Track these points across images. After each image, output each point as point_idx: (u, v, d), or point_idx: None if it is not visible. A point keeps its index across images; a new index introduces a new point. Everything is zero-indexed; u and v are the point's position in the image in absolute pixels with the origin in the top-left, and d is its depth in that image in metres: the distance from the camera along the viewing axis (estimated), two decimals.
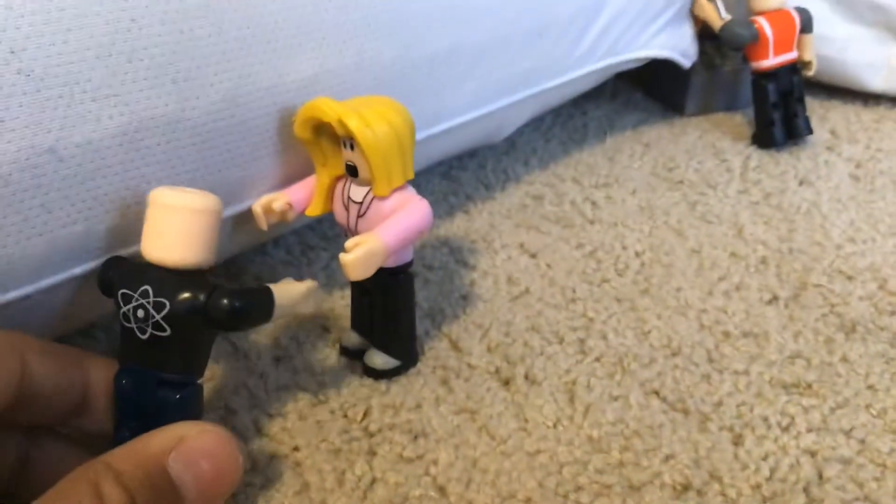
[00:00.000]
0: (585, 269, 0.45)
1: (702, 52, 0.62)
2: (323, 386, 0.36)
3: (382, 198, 0.33)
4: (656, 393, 0.36)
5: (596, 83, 0.57)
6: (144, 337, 0.28)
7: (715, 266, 0.45)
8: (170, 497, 0.26)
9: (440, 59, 0.42)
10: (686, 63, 0.60)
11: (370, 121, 0.32)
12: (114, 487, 0.24)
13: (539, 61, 0.48)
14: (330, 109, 0.32)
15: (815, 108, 0.65)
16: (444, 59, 0.42)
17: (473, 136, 0.49)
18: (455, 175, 0.55)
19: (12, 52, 0.27)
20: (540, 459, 0.32)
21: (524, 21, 0.46)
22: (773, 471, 0.32)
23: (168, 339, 0.28)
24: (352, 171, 0.34)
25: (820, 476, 0.32)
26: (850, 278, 0.44)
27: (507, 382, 0.37)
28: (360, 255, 0.31)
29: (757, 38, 0.57)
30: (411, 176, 0.34)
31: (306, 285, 0.32)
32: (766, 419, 0.34)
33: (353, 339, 0.38)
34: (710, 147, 0.59)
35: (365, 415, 0.35)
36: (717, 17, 0.58)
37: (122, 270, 0.29)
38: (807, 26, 0.58)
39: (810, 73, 0.60)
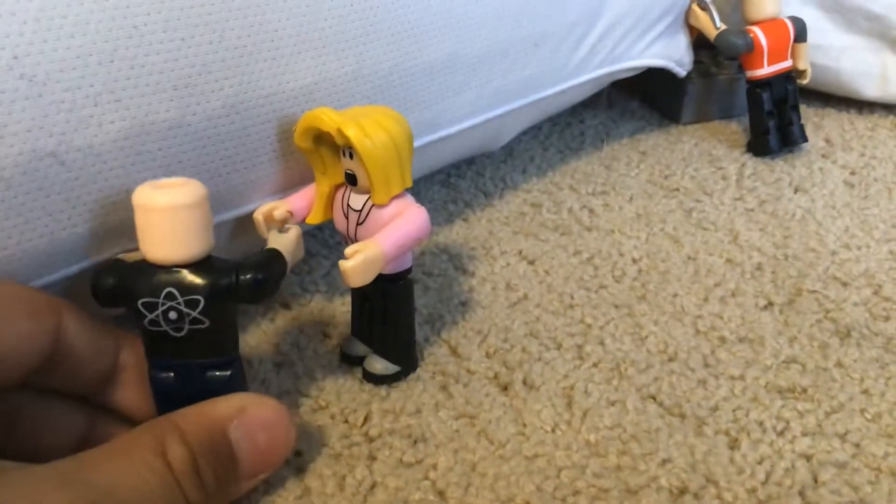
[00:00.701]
0: (583, 275, 0.45)
1: (697, 61, 0.63)
2: (323, 391, 0.37)
3: (381, 206, 0.34)
4: (653, 398, 0.36)
5: (593, 92, 0.58)
6: (181, 334, 0.29)
7: (711, 272, 0.45)
8: (227, 462, 0.27)
9: (438, 67, 0.42)
10: (681, 72, 0.61)
11: (369, 130, 0.32)
12: (179, 445, 0.26)
13: (536, 70, 0.49)
14: (329, 119, 0.33)
15: (810, 116, 0.66)
16: (443, 67, 0.42)
17: (471, 144, 0.49)
18: (454, 183, 0.56)
19: (15, 58, 0.27)
20: (538, 464, 0.32)
21: (522, 30, 0.46)
22: (768, 475, 0.32)
23: (207, 329, 0.29)
24: (351, 180, 0.34)
25: (815, 480, 0.32)
26: (844, 284, 0.44)
27: (505, 388, 0.37)
28: (359, 263, 0.31)
29: (752, 47, 0.58)
30: (410, 184, 0.34)
31: (295, 232, 0.33)
32: (761, 423, 0.35)
33: (353, 345, 0.38)
34: (705, 155, 0.60)
35: (365, 420, 0.35)
36: (712, 26, 0.59)
37: (129, 280, 0.28)
38: (801, 35, 0.59)
39: (805, 81, 0.60)
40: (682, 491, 0.31)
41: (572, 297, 0.43)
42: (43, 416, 0.29)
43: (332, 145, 0.34)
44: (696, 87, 0.64)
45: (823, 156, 0.59)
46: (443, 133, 0.45)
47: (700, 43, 0.62)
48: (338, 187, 0.36)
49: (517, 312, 0.42)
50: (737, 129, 0.64)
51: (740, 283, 0.44)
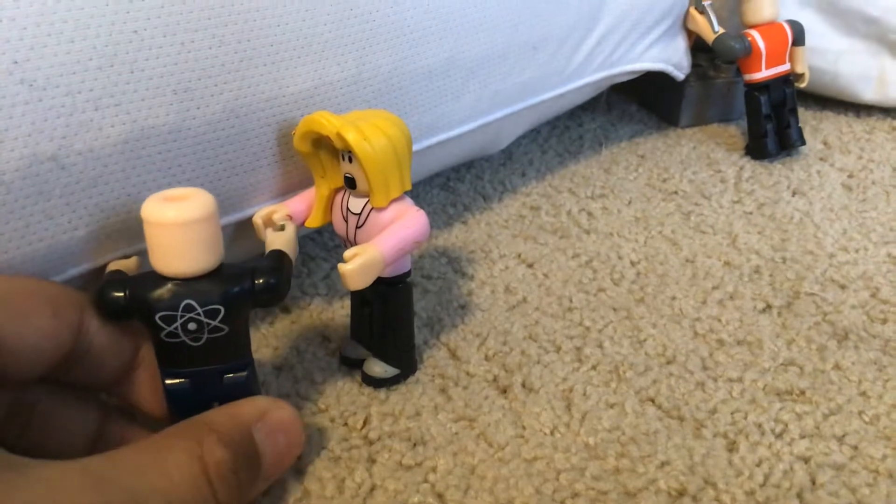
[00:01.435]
0: (582, 278, 0.45)
1: (695, 65, 0.63)
2: (323, 395, 0.37)
3: (380, 209, 0.34)
4: (652, 400, 0.36)
5: (591, 95, 0.58)
6: (199, 344, 0.29)
7: (709, 275, 0.45)
8: (255, 463, 0.28)
9: (437, 71, 0.42)
10: (680, 75, 0.61)
11: (368, 134, 0.32)
12: (219, 446, 0.26)
13: (535, 74, 0.49)
14: (328, 123, 0.33)
15: (808, 120, 0.66)
16: (441, 71, 0.42)
17: (471, 147, 0.49)
18: (453, 186, 0.56)
19: (15, 63, 0.28)
20: (537, 466, 0.33)
21: (520, 34, 0.46)
22: (766, 477, 0.32)
23: (225, 335, 0.29)
24: (350, 183, 0.34)
25: (813, 482, 0.32)
26: (842, 287, 0.44)
27: (504, 390, 0.37)
28: (358, 266, 0.31)
29: (750, 50, 0.58)
30: (409, 187, 0.35)
31: (293, 229, 0.34)
32: (759, 426, 0.35)
33: (352, 348, 0.38)
34: (704, 158, 0.60)
35: (364, 423, 0.35)
36: (710, 30, 0.59)
37: (141, 293, 0.28)
38: (799, 39, 0.59)
39: (803, 84, 0.61)
40: (681, 493, 0.31)
41: (571, 300, 0.43)
42: (57, 413, 0.29)
43: (331, 149, 0.34)
44: (694, 91, 0.64)
45: (821, 159, 0.60)
46: (442, 137, 0.45)
47: (698, 46, 0.62)
48: (337, 191, 0.36)
49: (516, 315, 0.42)
50: (735, 132, 0.64)
51: (738, 285, 0.44)
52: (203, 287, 0.28)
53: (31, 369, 0.27)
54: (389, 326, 0.37)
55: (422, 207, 0.34)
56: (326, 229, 0.49)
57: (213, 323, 0.28)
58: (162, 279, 0.28)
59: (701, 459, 0.33)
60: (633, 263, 0.47)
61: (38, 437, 0.29)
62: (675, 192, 0.55)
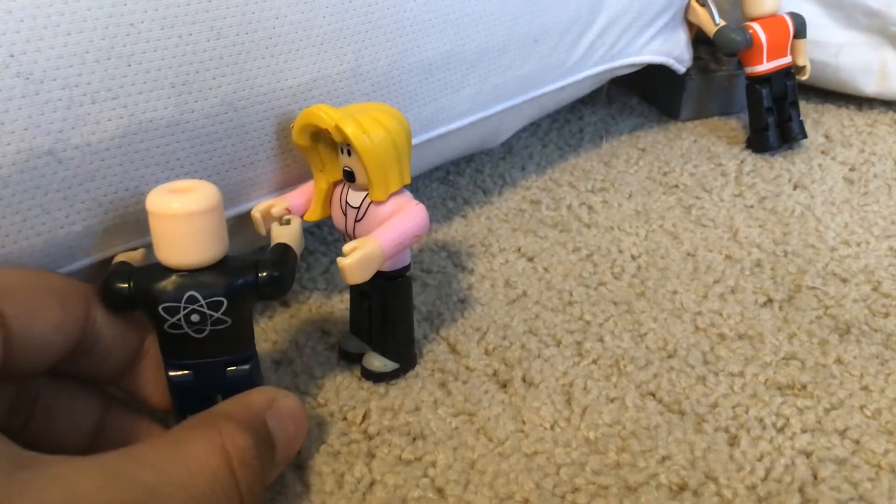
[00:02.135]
0: (582, 272, 0.45)
1: (696, 58, 0.63)
2: (322, 389, 0.36)
3: (379, 202, 0.34)
4: (652, 395, 0.36)
5: (592, 88, 0.58)
6: (202, 336, 0.29)
7: (710, 269, 0.45)
8: (271, 451, 0.28)
9: (437, 64, 0.42)
10: (681, 68, 0.61)
11: (367, 127, 0.32)
12: (241, 433, 0.26)
13: (535, 67, 0.49)
14: (327, 116, 0.32)
15: (809, 113, 0.65)
16: (442, 64, 0.42)
17: (471, 140, 0.49)
18: (453, 180, 0.56)
19: (11, 56, 0.27)
20: (537, 461, 0.32)
21: (520, 27, 0.46)
22: (768, 471, 0.32)
23: (228, 328, 0.29)
24: (349, 177, 0.34)
25: (815, 476, 0.32)
26: (844, 281, 0.44)
27: (504, 385, 0.37)
28: (357, 260, 0.31)
29: (751, 43, 0.58)
30: (408, 181, 0.34)
31: (297, 223, 0.34)
32: (761, 420, 0.35)
33: (351, 342, 0.38)
34: (704, 151, 0.60)
35: (364, 417, 0.35)
36: (711, 22, 0.59)
37: (145, 284, 0.28)
38: (800, 31, 0.59)
39: (804, 77, 0.60)
40: (682, 488, 0.31)
41: (571, 294, 0.43)
42: (60, 404, 0.29)
43: (330, 142, 0.34)
44: (695, 84, 0.64)
45: (823, 152, 0.59)
46: (441, 130, 0.45)
47: (699, 39, 0.62)
48: (336, 184, 0.36)
49: (516, 309, 0.42)
50: (736, 125, 0.64)
51: (739, 279, 0.44)
52: (207, 279, 0.28)
53: (40, 362, 0.27)
54: (389, 321, 0.36)
55: (421, 201, 0.34)
56: (325, 223, 0.49)
57: (216, 315, 0.28)
58: (166, 270, 0.28)
59: (702, 454, 0.33)
60: (633, 257, 0.46)
61: (42, 429, 0.29)
62: (676, 186, 0.55)
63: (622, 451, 0.33)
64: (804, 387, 0.37)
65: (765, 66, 0.58)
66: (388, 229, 0.33)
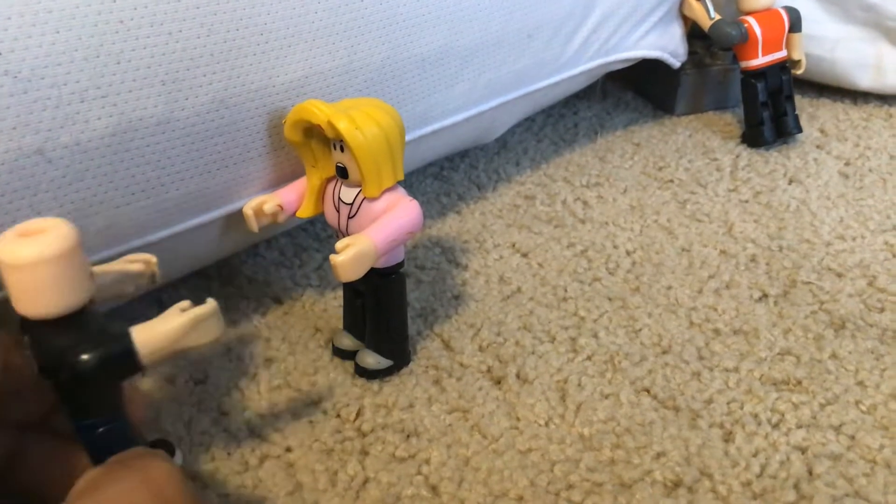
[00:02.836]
0: (577, 268, 0.45)
1: (691, 52, 0.63)
2: (315, 386, 0.36)
3: (373, 199, 0.34)
4: (647, 391, 0.36)
5: (587, 83, 0.58)
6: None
7: (705, 264, 0.45)
8: None
9: (431, 60, 0.42)
10: (676, 63, 0.61)
11: (359, 122, 0.32)
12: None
13: (530, 62, 0.48)
14: (319, 111, 0.32)
15: (805, 107, 0.65)
16: (435, 60, 0.42)
17: (465, 136, 0.49)
18: (447, 175, 0.55)
19: (0, 54, 0.27)
20: (532, 458, 0.32)
21: (514, 22, 0.46)
22: (763, 467, 0.32)
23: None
24: (342, 173, 0.34)
25: (810, 472, 0.32)
26: (839, 275, 0.44)
27: (498, 381, 0.37)
28: (351, 257, 0.31)
29: (746, 37, 0.58)
30: (401, 177, 0.34)
31: (191, 316, 0.25)
32: (756, 416, 0.34)
33: (345, 339, 0.38)
34: (699, 146, 0.59)
35: (357, 415, 0.35)
36: (706, 16, 0.58)
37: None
38: (795, 25, 0.59)
39: (799, 71, 0.60)
40: (677, 484, 0.31)
41: (566, 290, 0.43)
42: None
43: (322, 138, 0.34)
44: (690, 79, 0.64)
45: (818, 146, 0.59)
46: (435, 126, 0.44)
47: (694, 33, 0.62)
48: (328, 180, 0.36)
49: (510, 306, 0.42)
50: (731, 120, 0.64)
51: (734, 274, 0.44)
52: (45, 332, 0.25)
53: None
54: (382, 317, 0.36)
55: (415, 197, 0.34)
56: (319, 220, 0.48)
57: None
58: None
59: (697, 450, 0.33)
60: (628, 253, 0.46)
61: None
62: (671, 181, 0.54)
63: (617, 448, 0.33)
64: (799, 382, 0.36)
65: (760, 61, 0.58)
66: (382, 226, 0.33)
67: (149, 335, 0.25)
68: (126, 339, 0.25)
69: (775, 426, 0.34)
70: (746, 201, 0.52)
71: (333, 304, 0.42)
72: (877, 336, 0.39)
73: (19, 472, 0.28)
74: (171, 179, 0.33)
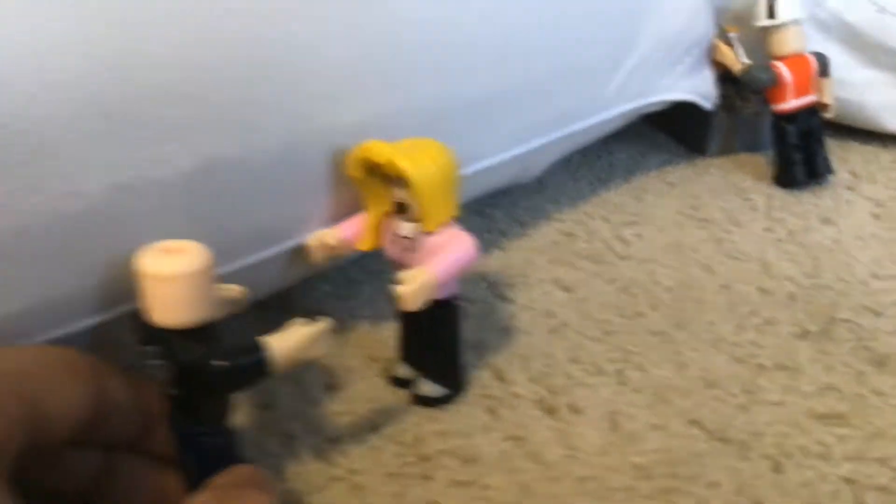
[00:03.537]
0: (619, 303, 0.46)
1: (723, 95, 0.64)
2: (375, 413, 0.38)
3: (430, 233, 0.35)
4: (696, 422, 0.37)
5: (623, 124, 0.59)
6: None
7: (745, 301, 0.46)
8: None
9: (478, 102, 0.44)
10: (708, 105, 0.62)
11: (420, 161, 0.34)
12: None
13: (569, 104, 0.50)
14: (382, 151, 0.34)
15: (834, 149, 0.67)
16: (482, 103, 0.44)
17: (506, 175, 0.51)
18: (489, 213, 0.57)
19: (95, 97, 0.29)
20: (589, 485, 0.33)
21: (556, 65, 0.48)
22: (814, 498, 0.33)
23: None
24: (400, 209, 0.35)
25: (859, 503, 0.33)
26: (876, 314, 0.45)
27: (551, 411, 0.38)
28: (416, 288, 0.33)
29: (776, 81, 0.59)
30: (456, 213, 0.36)
31: (313, 328, 0.30)
32: (803, 448, 0.35)
33: (401, 369, 0.39)
34: (733, 187, 0.61)
35: (417, 441, 0.36)
36: (737, 61, 0.60)
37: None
38: (824, 70, 0.60)
39: (830, 115, 0.62)
40: None
41: (610, 324, 0.44)
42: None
43: (382, 175, 0.36)
44: (722, 121, 0.65)
45: (849, 188, 0.61)
46: (479, 166, 0.46)
47: (726, 77, 0.64)
48: (387, 215, 0.37)
49: (557, 339, 0.43)
50: (762, 161, 0.65)
51: (774, 311, 0.45)
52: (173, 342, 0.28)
53: (57, 436, 0.27)
54: (439, 346, 0.38)
55: None
56: (369, 254, 0.50)
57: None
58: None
59: (748, 480, 0.34)
60: (669, 289, 0.48)
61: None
62: (707, 220, 0.56)
63: (671, 478, 0.34)
64: (844, 416, 0.37)
65: (791, 104, 0.60)
66: (442, 260, 0.34)
67: (281, 344, 0.29)
68: (260, 348, 0.28)
69: (823, 458, 0.35)
70: (781, 240, 0.53)
71: (386, 335, 0.43)
72: None
73: (108, 493, 0.29)
74: (243, 215, 0.35)
